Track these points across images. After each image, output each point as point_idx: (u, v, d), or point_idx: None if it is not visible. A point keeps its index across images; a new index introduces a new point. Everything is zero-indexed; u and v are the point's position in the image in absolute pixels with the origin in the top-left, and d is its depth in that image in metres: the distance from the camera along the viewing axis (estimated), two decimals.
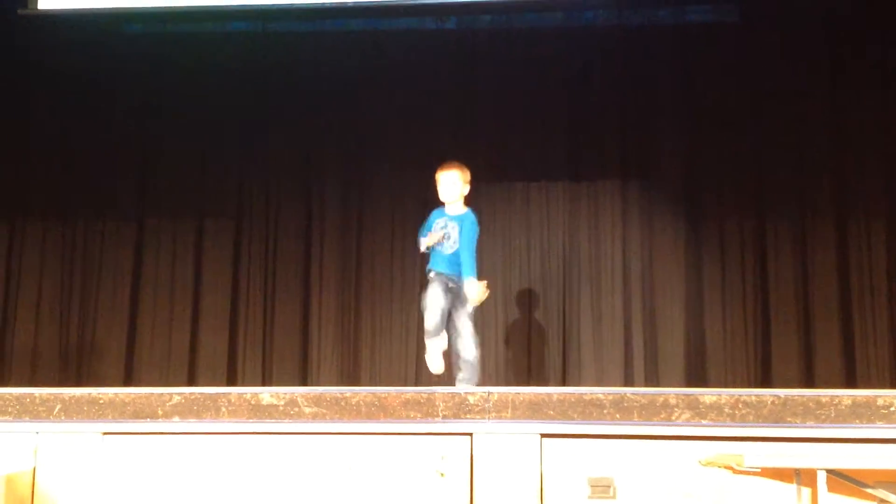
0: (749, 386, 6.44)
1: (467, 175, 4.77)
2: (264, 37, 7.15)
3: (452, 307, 4.60)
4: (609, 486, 3.07)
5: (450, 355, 4.59)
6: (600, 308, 6.86)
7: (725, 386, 6.35)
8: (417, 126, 6.97)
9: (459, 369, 4.55)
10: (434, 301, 4.54)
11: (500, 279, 6.92)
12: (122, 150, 7.17)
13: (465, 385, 4.52)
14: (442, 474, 3.11)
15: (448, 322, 4.60)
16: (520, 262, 7.00)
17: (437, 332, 4.56)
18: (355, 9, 6.70)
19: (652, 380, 6.64)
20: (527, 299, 6.96)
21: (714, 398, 3.10)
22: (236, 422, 3.24)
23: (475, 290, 4.47)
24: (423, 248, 4.68)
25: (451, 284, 4.59)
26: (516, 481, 3.11)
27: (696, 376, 6.60)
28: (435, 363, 4.60)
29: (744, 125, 6.84)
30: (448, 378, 4.76)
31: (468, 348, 4.53)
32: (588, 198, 7.04)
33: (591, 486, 3.08)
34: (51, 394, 3.33)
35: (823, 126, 6.77)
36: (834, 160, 6.75)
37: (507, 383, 6.64)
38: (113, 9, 6.68)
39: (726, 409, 3.08)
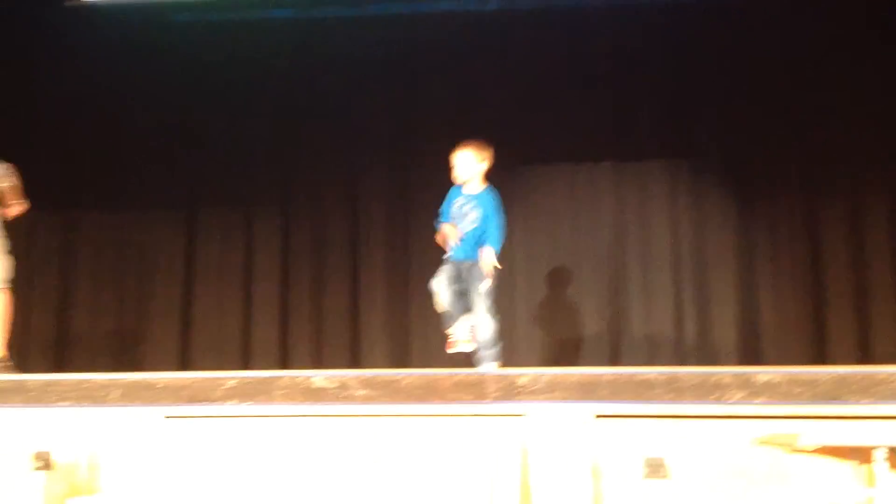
0: (803, 364, 6.35)
1: (483, 153, 4.76)
2: (307, 23, 7.17)
3: (467, 288, 4.62)
4: (662, 466, 3.06)
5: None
6: (650, 288, 6.82)
7: (779, 364, 6.27)
8: (460, 108, 6.95)
9: (477, 350, 4.58)
10: (441, 286, 4.60)
11: (547, 262, 6.90)
12: (172, 140, 7.25)
13: (486, 364, 4.55)
14: (495, 455, 3.12)
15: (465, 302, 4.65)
16: (567, 243, 6.97)
17: (453, 315, 4.61)
18: None
19: (704, 360, 6.58)
20: (576, 281, 6.93)
21: (768, 377, 3.07)
22: (290, 404, 3.28)
23: (490, 260, 4.49)
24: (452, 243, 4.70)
25: (462, 270, 4.62)
26: (569, 462, 3.11)
27: (750, 355, 6.53)
28: (461, 346, 4.64)
29: (794, 99, 6.72)
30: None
31: (482, 328, 4.55)
32: (635, 178, 6.98)
33: (646, 465, 3.07)
34: (110, 379, 3.40)
35: (876, 99, 6.63)
36: (888, 134, 6.60)
37: (558, 365, 6.63)
38: None
39: (781, 388, 3.04)
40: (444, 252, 4.81)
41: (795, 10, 6.67)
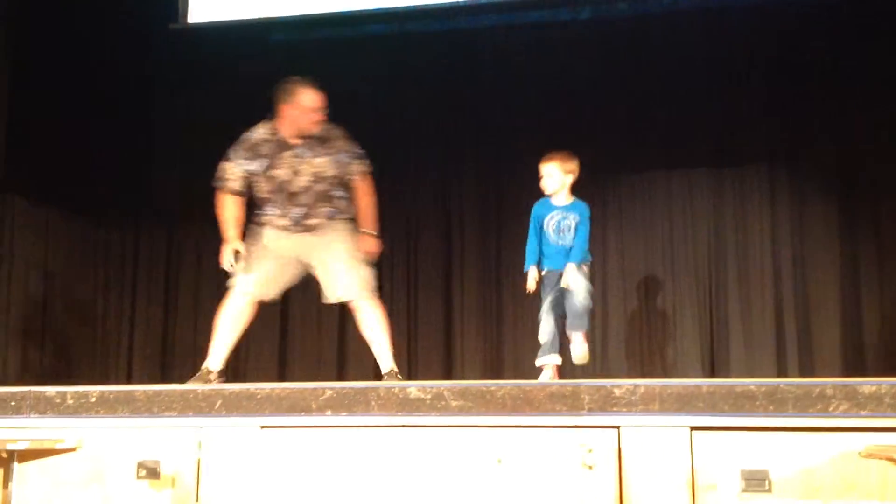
0: None
1: (568, 165, 4.71)
2: (400, 39, 7.26)
3: (566, 303, 4.60)
4: (764, 480, 2.99)
5: (561, 368, 4.61)
6: (750, 297, 6.68)
7: (886, 375, 6.06)
8: (555, 117, 6.94)
9: (568, 316, 4.54)
10: (547, 315, 4.56)
11: (643, 271, 6.83)
12: None
13: (574, 331, 4.50)
14: (590, 467, 3.10)
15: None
16: (664, 252, 6.88)
17: (550, 350, 4.57)
18: (488, 5, 6.74)
19: (807, 370, 6.40)
20: (672, 290, 6.83)
21: (874, 388, 2.97)
22: (385, 415, 3.31)
23: (573, 277, 4.45)
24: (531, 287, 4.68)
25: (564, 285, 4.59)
26: (666, 475, 3.06)
27: (854, 366, 6.33)
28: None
29: None
30: (591, 370, 4.76)
31: (580, 301, 4.51)
32: (733, 183, 6.86)
33: (745, 479, 3.00)
34: (213, 389, 3.49)
35: None
36: None
37: (654, 376, 6.54)
38: (257, 19, 6.95)
39: (887, 399, 2.94)
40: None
41: None
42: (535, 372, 6.77)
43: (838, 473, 2.97)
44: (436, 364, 7.04)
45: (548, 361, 4.59)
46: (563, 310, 4.63)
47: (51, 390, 3.64)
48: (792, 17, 6.68)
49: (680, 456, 3.06)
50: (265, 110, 7.32)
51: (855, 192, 6.63)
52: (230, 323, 4.72)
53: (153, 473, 3.45)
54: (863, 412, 2.95)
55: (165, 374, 7.28)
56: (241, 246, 4.68)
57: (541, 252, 4.71)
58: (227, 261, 4.68)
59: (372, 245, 4.76)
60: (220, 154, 7.37)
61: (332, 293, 4.72)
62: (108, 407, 3.54)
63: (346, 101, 7.28)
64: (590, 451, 3.11)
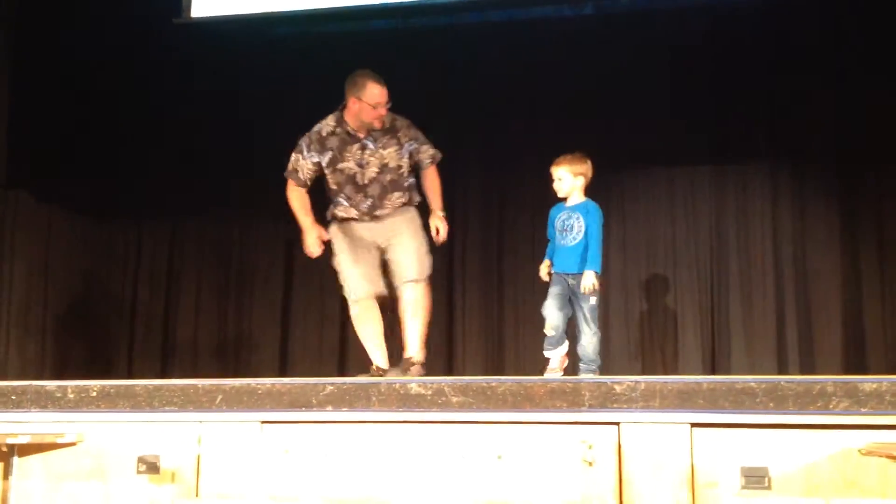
0: None
1: (578, 168, 4.68)
2: (404, 33, 7.24)
3: (573, 306, 4.58)
4: (764, 477, 2.99)
5: (571, 355, 4.59)
6: (751, 295, 6.67)
7: (886, 373, 6.05)
8: (557, 114, 6.93)
9: (580, 367, 4.55)
10: (552, 310, 4.54)
11: (646, 268, 6.82)
12: (270, 151, 7.37)
13: (586, 374, 4.51)
14: (590, 463, 3.10)
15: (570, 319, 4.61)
16: (665, 250, 6.88)
17: (557, 343, 4.56)
18: (492, 1, 6.73)
19: (807, 368, 6.40)
20: (674, 287, 6.83)
21: (874, 385, 2.97)
22: (386, 411, 3.31)
23: (590, 282, 4.44)
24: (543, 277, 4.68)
25: (570, 282, 4.56)
26: (666, 471, 3.06)
27: (855, 363, 6.32)
28: (552, 375, 4.59)
29: None
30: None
31: (588, 346, 4.51)
32: (735, 182, 6.85)
33: (745, 476, 3.00)
34: (213, 385, 3.49)
35: None
36: None
37: (655, 373, 6.54)
38: (261, 14, 6.94)
39: (888, 397, 2.94)
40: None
41: None
42: (537, 369, 6.79)
43: (838, 471, 2.97)
44: (437, 361, 7.03)
45: (555, 354, 4.59)
46: (569, 309, 4.61)
47: (51, 384, 3.65)
48: (790, 15, 6.65)
49: (680, 452, 3.06)
50: (269, 106, 7.37)
51: (857, 190, 6.61)
52: (368, 330, 4.78)
53: (153, 468, 3.45)
54: (863, 409, 2.95)
55: (166, 371, 7.29)
56: (322, 231, 4.76)
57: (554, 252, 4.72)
58: (312, 247, 4.76)
59: (443, 226, 4.81)
60: (223, 150, 7.45)
61: (401, 278, 4.75)
62: (108, 401, 3.54)
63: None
64: (590, 447, 3.11)
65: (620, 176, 6.93)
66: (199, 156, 7.47)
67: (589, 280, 4.46)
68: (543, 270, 4.67)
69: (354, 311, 4.79)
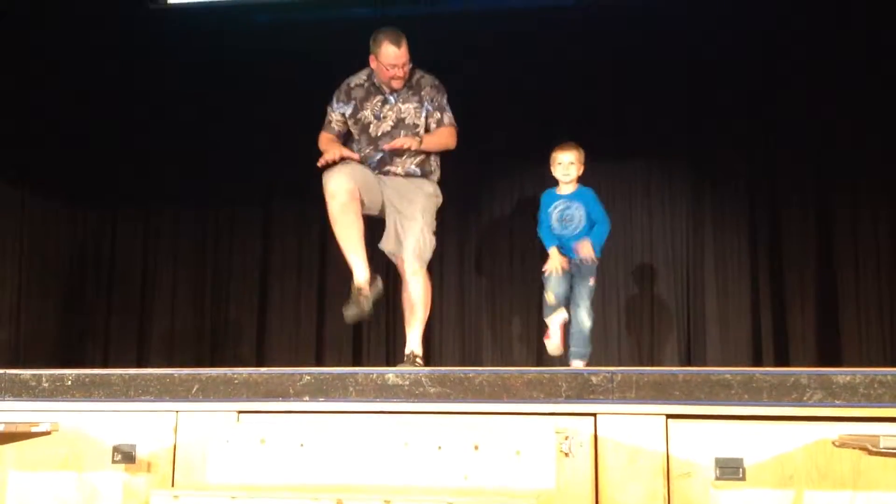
0: (885, 365, 6.19)
1: (583, 155, 4.74)
2: (383, 22, 7.18)
3: (573, 284, 4.61)
4: (739, 468, 3.02)
5: (567, 329, 4.63)
6: (726, 287, 6.72)
7: (860, 366, 6.12)
8: (532, 103, 6.93)
9: (572, 343, 4.58)
10: (554, 278, 4.58)
11: (623, 258, 6.85)
12: (250, 139, 7.35)
13: (577, 359, 4.55)
14: (566, 454, 3.12)
15: (569, 299, 4.65)
16: (642, 241, 6.90)
17: (556, 307, 4.59)
18: None
19: (782, 360, 6.46)
20: (650, 278, 6.86)
21: (848, 378, 3.00)
22: (363, 401, 3.31)
23: (589, 250, 4.47)
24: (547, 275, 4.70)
25: (571, 268, 4.59)
26: (641, 462, 3.08)
27: (829, 356, 6.38)
28: (553, 344, 4.63)
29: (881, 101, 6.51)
30: (569, 359, 4.78)
31: (583, 321, 4.55)
32: (712, 173, 6.90)
33: (720, 467, 3.03)
34: (189, 374, 3.48)
35: None
36: None
37: (631, 364, 6.58)
38: (238, 1, 6.89)
39: (861, 389, 2.97)
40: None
41: None
42: (514, 361, 6.82)
43: (812, 462, 3.00)
44: None
45: (554, 320, 4.62)
46: (568, 293, 4.65)
47: (26, 373, 3.62)
48: (778, 13, 6.68)
49: (655, 443, 3.08)
50: (249, 92, 7.32)
51: (831, 186, 6.66)
52: (346, 233, 4.43)
53: (129, 458, 3.43)
54: (837, 401, 2.98)
55: (142, 361, 7.24)
56: (344, 150, 4.52)
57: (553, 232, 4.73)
58: (331, 154, 4.46)
59: (408, 143, 4.53)
60: (199, 137, 7.39)
61: (390, 244, 4.64)
62: (83, 390, 3.52)
63: (332, 84, 7.27)
64: (566, 437, 3.13)
65: (597, 168, 6.93)
66: (175, 143, 7.41)
67: (587, 246, 4.49)
68: (556, 260, 4.62)
69: (332, 209, 4.43)
